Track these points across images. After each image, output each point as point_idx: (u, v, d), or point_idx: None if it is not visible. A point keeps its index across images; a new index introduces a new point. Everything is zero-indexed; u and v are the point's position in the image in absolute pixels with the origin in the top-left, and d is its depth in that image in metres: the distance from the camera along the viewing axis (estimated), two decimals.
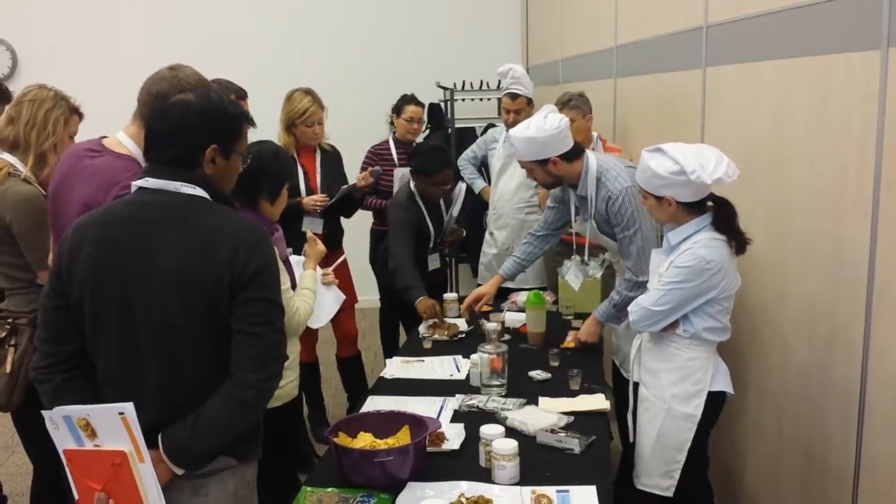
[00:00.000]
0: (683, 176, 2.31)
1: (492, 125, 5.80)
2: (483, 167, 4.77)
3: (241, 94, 3.24)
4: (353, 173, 4.19)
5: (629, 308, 2.55)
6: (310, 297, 2.68)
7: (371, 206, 4.37)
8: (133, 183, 1.80)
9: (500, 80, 4.43)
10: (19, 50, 6.08)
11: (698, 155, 2.32)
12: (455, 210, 3.96)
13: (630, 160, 3.71)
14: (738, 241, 2.39)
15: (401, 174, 4.23)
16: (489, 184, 4.63)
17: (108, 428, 1.67)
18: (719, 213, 2.40)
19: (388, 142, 4.51)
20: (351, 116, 4.69)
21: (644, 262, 2.96)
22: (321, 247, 2.83)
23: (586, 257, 3.45)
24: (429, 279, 3.90)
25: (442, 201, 3.94)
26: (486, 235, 4.52)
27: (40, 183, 2.70)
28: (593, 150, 3.91)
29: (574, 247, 3.56)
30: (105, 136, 2.41)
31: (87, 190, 2.16)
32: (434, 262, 4.03)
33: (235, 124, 1.85)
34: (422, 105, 4.58)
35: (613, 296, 3.08)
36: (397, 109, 4.54)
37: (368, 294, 4.55)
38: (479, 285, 3.78)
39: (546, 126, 2.97)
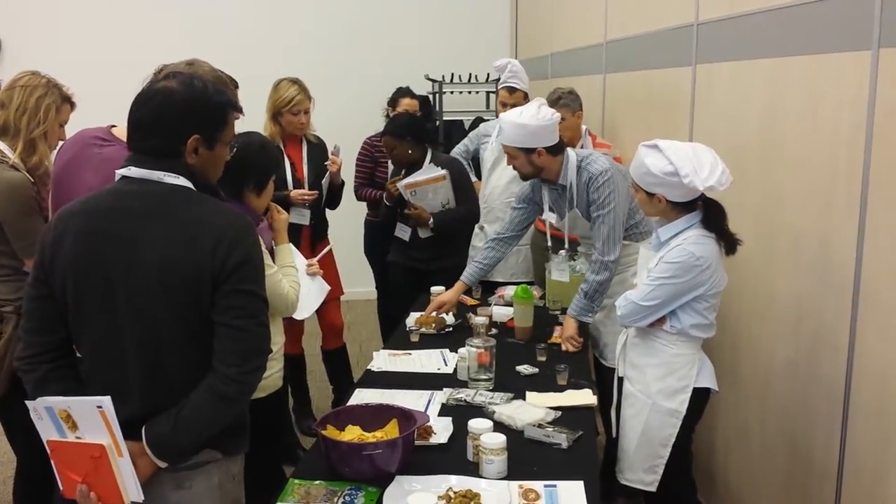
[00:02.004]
0: (676, 178, 2.31)
1: (480, 118, 5.79)
2: (474, 161, 4.76)
3: (233, 84, 3.21)
4: (344, 166, 4.17)
5: (617, 303, 2.56)
6: (294, 274, 2.67)
7: (366, 197, 4.41)
8: (116, 172, 1.77)
9: (489, 74, 4.45)
10: (3, 35, 6.00)
11: (694, 158, 2.31)
12: (410, 179, 3.89)
13: (619, 156, 3.73)
14: (727, 242, 2.40)
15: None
16: (480, 178, 4.62)
17: (87, 421, 1.66)
18: (709, 215, 2.41)
19: None
20: (340, 108, 4.69)
21: (613, 242, 3.03)
22: (284, 215, 2.80)
23: (566, 250, 3.47)
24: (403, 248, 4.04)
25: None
26: (476, 229, 4.51)
27: (28, 170, 2.67)
28: (582, 146, 3.93)
29: (553, 240, 3.57)
30: (114, 125, 2.39)
31: (96, 179, 2.14)
32: (401, 230, 4.05)
33: (220, 114, 1.81)
34: (418, 98, 4.62)
35: (582, 286, 3.11)
36: (392, 102, 4.59)
37: (354, 286, 4.55)
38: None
39: (539, 116, 3.03)
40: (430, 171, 3.92)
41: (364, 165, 4.44)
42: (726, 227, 2.41)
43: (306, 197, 3.74)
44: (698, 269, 2.36)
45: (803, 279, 2.52)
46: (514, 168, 3.20)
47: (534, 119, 3.02)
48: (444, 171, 3.93)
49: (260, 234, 2.22)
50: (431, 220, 3.93)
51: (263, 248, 2.21)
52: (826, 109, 2.37)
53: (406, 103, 4.56)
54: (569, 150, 3.17)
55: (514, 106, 4.17)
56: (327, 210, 4.08)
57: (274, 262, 2.63)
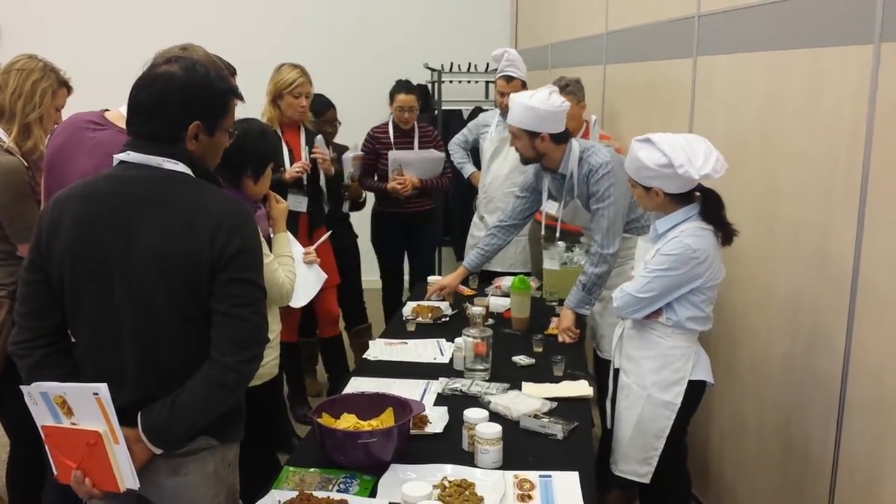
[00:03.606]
0: (671, 169, 2.30)
1: (479, 108, 5.77)
2: (473, 152, 4.74)
3: (231, 71, 3.19)
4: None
5: (613, 294, 2.56)
6: (290, 264, 2.66)
7: (370, 188, 4.46)
8: (115, 156, 1.75)
9: (488, 64, 4.44)
10: (2, 19, 5.96)
11: (687, 148, 2.31)
12: (352, 153, 4.30)
13: (618, 148, 3.72)
14: (724, 232, 2.40)
15: (393, 157, 4.33)
16: (478, 168, 4.61)
17: (83, 407, 1.65)
18: (707, 204, 2.41)
19: (387, 125, 4.49)
20: (337, 97, 4.65)
21: (613, 235, 3.03)
22: (283, 204, 2.80)
23: (560, 242, 3.47)
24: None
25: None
26: (476, 219, 4.50)
27: (23, 154, 2.65)
28: (587, 136, 3.92)
29: (546, 230, 3.56)
30: (107, 109, 2.37)
31: (89, 163, 2.13)
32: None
33: (221, 100, 1.79)
34: (415, 92, 4.47)
35: (580, 278, 3.11)
36: (390, 97, 4.47)
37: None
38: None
39: (549, 102, 3.03)
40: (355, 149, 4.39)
41: (367, 155, 4.46)
42: (724, 217, 2.41)
43: (299, 171, 3.72)
44: (695, 261, 2.35)
45: (801, 273, 2.52)
46: (517, 150, 3.21)
47: (543, 104, 3.02)
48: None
49: (257, 221, 2.21)
50: (363, 193, 4.48)
51: (261, 236, 2.19)
52: (826, 103, 2.36)
53: (401, 100, 4.37)
54: (573, 140, 3.16)
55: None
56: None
57: (271, 250, 2.62)
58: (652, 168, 2.34)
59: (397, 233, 4.56)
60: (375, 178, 4.44)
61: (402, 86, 4.44)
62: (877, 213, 2.16)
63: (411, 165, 4.38)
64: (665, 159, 2.31)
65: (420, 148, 4.46)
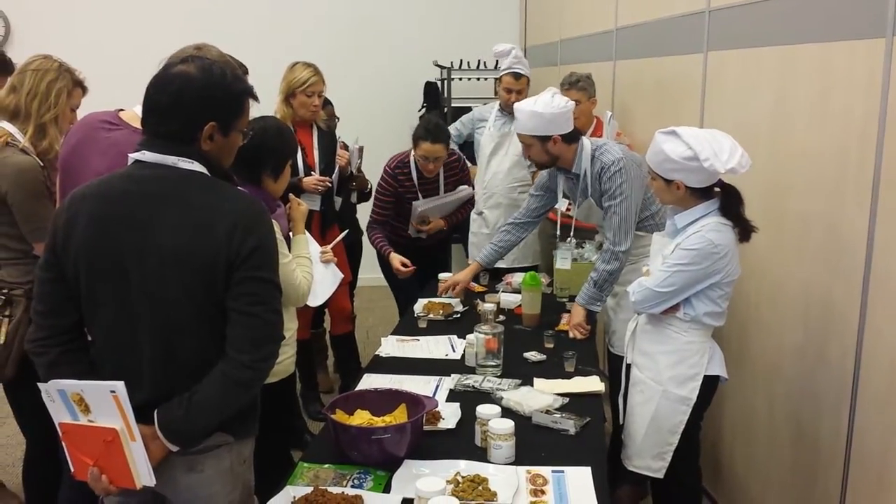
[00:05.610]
0: (696, 162, 2.30)
1: None
2: (464, 146, 4.63)
3: (242, 70, 3.20)
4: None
5: (630, 289, 2.56)
6: (308, 265, 2.67)
7: (376, 245, 3.92)
8: (130, 155, 1.76)
9: (497, 61, 4.40)
10: (12, 17, 6.00)
11: (713, 142, 2.30)
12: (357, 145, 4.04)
13: (629, 144, 3.72)
14: (742, 229, 2.39)
15: (420, 210, 3.85)
16: (474, 163, 4.56)
17: (100, 404, 1.66)
18: (727, 200, 2.40)
19: (408, 164, 3.85)
20: (348, 95, 4.65)
21: (625, 232, 3.03)
22: (304, 207, 2.81)
23: (572, 239, 3.48)
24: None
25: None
26: (474, 215, 4.45)
27: (38, 154, 2.67)
28: (599, 132, 3.92)
29: (562, 229, 3.57)
30: (121, 109, 2.39)
31: (103, 163, 2.14)
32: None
33: (237, 101, 1.80)
34: (443, 139, 3.71)
35: (592, 275, 3.11)
36: (414, 141, 3.75)
37: (362, 272, 4.55)
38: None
39: (553, 104, 3.04)
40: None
41: (384, 199, 3.88)
42: (743, 213, 2.40)
43: (319, 185, 3.73)
44: (716, 256, 2.35)
45: (813, 266, 2.52)
46: (530, 158, 3.22)
47: (549, 107, 3.03)
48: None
49: (277, 220, 2.23)
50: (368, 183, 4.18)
51: (280, 235, 2.20)
52: (838, 98, 2.36)
53: (425, 149, 3.68)
54: (584, 138, 3.17)
55: (519, 91, 4.21)
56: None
57: (290, 250, 2.63)
58: (676, 160, 2.34)
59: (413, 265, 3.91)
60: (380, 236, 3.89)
61: (430, 132, 3.67)
62: (889, 206, 2.15)
63: (439, 210, 3.94)
64: (690, 152, 2.31)
65: (446, 187, 3.92)
